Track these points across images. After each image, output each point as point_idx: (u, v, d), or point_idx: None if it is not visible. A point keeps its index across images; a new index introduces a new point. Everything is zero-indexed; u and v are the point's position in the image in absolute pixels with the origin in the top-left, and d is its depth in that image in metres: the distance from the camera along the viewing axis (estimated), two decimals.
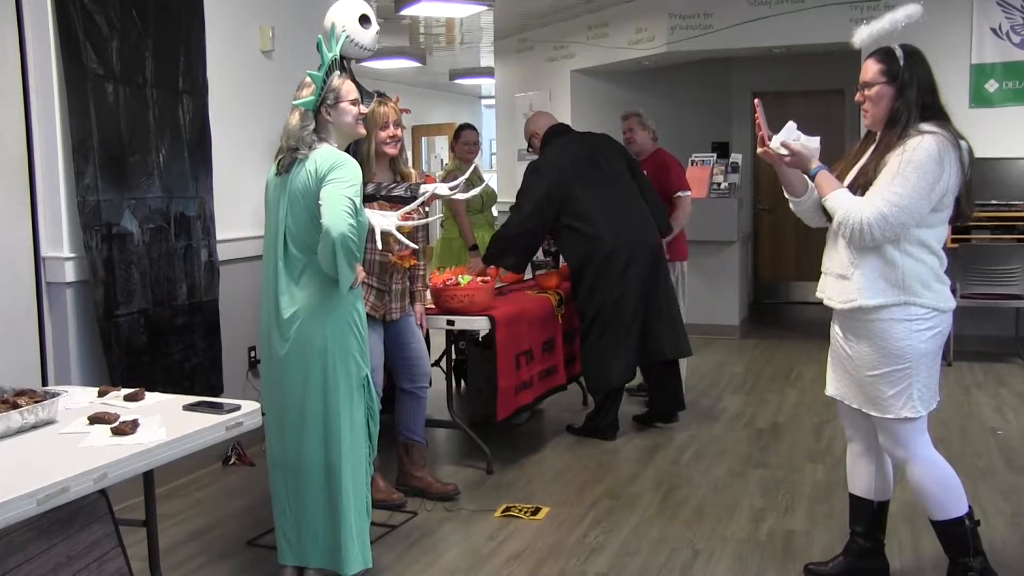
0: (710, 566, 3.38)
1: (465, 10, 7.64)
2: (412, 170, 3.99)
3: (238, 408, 2.64)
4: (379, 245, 3.28)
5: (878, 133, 2.93)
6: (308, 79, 3.02)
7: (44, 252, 3.78)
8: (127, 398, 2.76)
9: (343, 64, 3.25)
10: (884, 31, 2.94)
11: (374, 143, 3.81)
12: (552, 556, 3.48)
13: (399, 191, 3.63)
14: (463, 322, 4.35)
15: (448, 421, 4.76)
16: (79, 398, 2.77)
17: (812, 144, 2.92)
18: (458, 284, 4.31)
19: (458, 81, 13.19)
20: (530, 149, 5.41)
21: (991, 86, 7.01)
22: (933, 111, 2.86)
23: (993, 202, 6.66)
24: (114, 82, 3.88)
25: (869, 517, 3.14)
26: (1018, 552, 3.45)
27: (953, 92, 7.04)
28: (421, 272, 4.08)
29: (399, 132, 3.87)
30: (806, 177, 2.98)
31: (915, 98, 2.83)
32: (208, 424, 2.52)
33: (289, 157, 3.02)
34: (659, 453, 4.73)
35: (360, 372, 3.07)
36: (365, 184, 3.76)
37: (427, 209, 3.78)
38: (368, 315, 3.73)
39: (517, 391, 4.54)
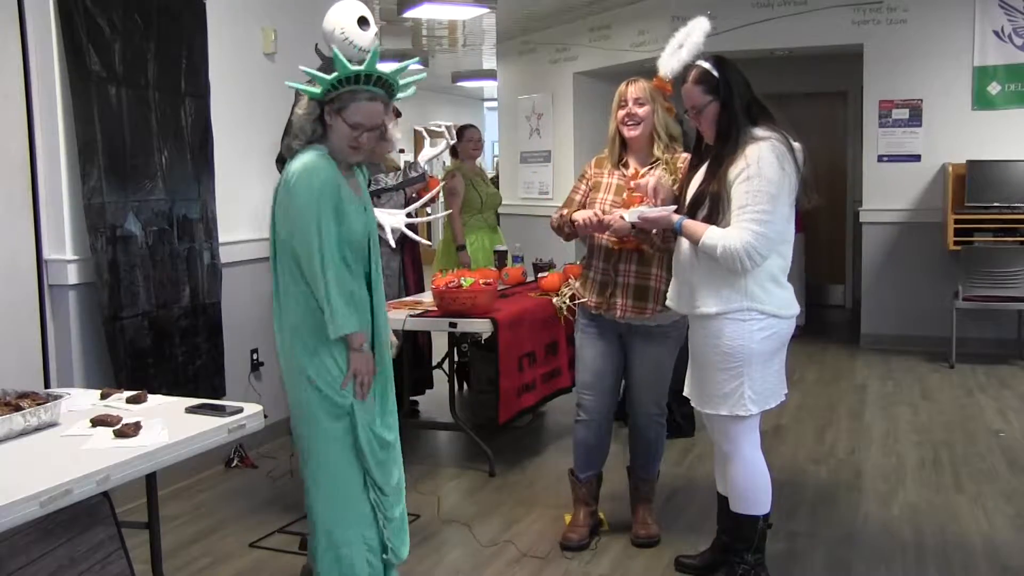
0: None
1: (468, 12, 7.64)
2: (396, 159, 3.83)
3: (240, 411, 2.64)
4: (391, 244, 3.26)
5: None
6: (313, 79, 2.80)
7: (46, 255, 3.78)
8: (129, 400, 2.76)
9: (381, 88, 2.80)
10: (691, 55, 3.05)
11: (616, 125, 3.44)
12: (556, 557, 3.48)
13: (412, 174, 3.61)
14: (466, 324, 4.34)
15: (450, 423, 4.77)
16: (81, 400, 2.77)
17: (656, 208, 3.04)
18: (460, 287, 4.30)
19: (460, 83, 13.20)
20: None
21: (993, 88, 7.00)
22: (759, 109, 2.92)
23: (996, 204, 6.65)
24: (116, 84, 3.88)
25: (729, 515, 3.19)
26: (1022, 554, 3.44)
27: (955, 94, 7.08)
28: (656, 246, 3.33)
29: (640, 112, 3.35)
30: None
31: (740, 104, 2.91)
32: (210, 427, 2.52)
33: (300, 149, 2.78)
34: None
35: (343, 402, 2.80)
36: (369, 183, 3.77)
37: (429, 210, 3.77)
38: (592, 313, 3.49)
39: (519, 393, 4.53)
